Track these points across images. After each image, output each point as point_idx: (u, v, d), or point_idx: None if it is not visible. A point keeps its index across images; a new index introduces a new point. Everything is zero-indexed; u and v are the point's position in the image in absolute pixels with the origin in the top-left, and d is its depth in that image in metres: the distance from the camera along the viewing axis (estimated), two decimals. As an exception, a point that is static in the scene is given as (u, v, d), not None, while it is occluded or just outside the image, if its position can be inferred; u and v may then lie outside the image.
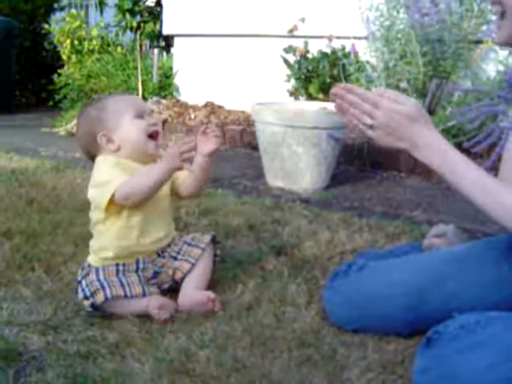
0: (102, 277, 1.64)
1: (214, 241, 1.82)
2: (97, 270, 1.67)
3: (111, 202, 1.63)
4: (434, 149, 1.32)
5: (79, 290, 1.65)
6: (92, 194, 1.70)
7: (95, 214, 1.71)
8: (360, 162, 3.60)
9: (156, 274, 1.74)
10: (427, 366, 1.17)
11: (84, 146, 1.77)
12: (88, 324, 1.57)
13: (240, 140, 4.19)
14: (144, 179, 1.65)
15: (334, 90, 1.39)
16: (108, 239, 1.70)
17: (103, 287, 1.61)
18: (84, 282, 1.65)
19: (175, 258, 1.76)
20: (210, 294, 1.66)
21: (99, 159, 1.72)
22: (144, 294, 1.64)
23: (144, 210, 1.69)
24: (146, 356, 1.40)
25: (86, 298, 1.62)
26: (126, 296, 1.61)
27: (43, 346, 1.45)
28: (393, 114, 1.32)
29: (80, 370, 1.35)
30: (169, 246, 1.78)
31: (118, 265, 1.68)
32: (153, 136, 1.73)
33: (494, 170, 2.39)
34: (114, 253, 1.68)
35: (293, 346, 1.47)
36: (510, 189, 1.30)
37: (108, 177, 1.65)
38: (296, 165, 3.05)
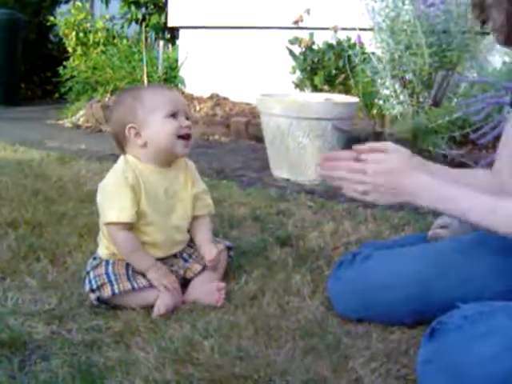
0: (110, 270, 1.63)
1: (228, 248, 1.84)
2: (107, 262, 1.66)
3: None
4: (428, 191, 1.32)
5: (86, 281, 1.64)
6: (98, 198, 1.68)
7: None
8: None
9: None
10: (431, 357, 1.17)
11: (114, 132, 1.73)
12: (93, 313, 1.57)
13: (245, 132, 4.18)
14: (130, 256, 1.65)
15: (320, 173, 1.44)
16: None
17: (110, 281, 1.61)
18: (92, 274, 1.64)
19: (186, 260, 1.77)
20: (220, 284, 1.68)
21: (120, 162, 1.69)
22: (151, 285, 1.64)
23: (162, 230, 1.71)
24: (151, 345, 1.41)
25: (92, 290, 1.61)
26: (133, 289, 1.61)
27: (48, 335, 1.45)
28: (380, 177, 1.34)
29: (84, 358, 1.35)
30: None
31: None
32: (184, 137, 1.68)
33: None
34: None
35: (297, 335, 1.47)
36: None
37: (114, 197, 1.63)
38: (301, 156, 3.04)
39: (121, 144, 1.72)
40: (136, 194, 1.64)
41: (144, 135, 1.66)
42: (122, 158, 1.71)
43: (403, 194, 1.34)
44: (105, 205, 1.65)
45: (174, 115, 1.66)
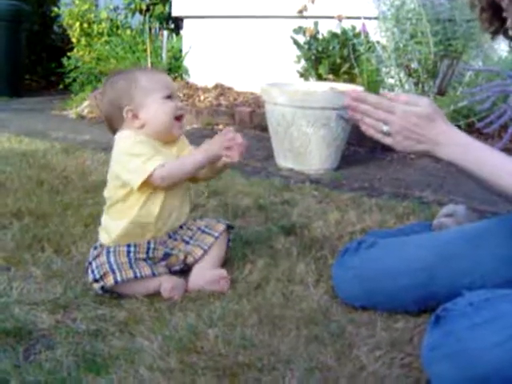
0: (112, 259, 1.64)
1: (228, 228, 1.82)
2: (108, 251, 1.66)
3: (145, 181, 1.60)
4: (457, 143, 1.30)
5: (89, 271, 1.65)
6: (118, 170, 1.66)
7: (117, 192, 1.68)
8: (370, 142, 3.57)
9: (166, 256, 1.73)
10: (436, 344, 1.16)
11: (107, 114, 1.74)
12: (97, 303, 1.58)
13: (249, 121, 4.17)
14: (187, 165, 1.66)
15: (346, 102, 1.37)
16: (127, 217, 1.66)
17: (113, 270, 1.61)
18: (94, 264, 1.65)
19: (187, 243, 1.76)
20: (223, 272, 1.68)
21: (125, 134, 1.68)
22: (153, 275, 1.65)
23: (167, 191, 1.69)
24: (155, 334, 1.41)
25: (95, 280, 1.62)
26: (136, 277, 1.62)
27: (53, 324, 1.46)
28: (408, 117, 1.30)
29: (89, 347, 1.36)
30: (181, 228, 1.77)
31: (129, 246, 1.67)
32: (178, 118, 1.71)
33: (505, 151, 2.38)
34: (130, 228, 1.66)
35: (301, 324, 1.47)
36: None
37: (141, 153, 1.62)
38: (306, 146, 3.04)
39: (113, 126, 1.74)
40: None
41: (142, 117, 1.67)
42: (121, 132, 1.71)
43: (428, 141, 1.31)
44: (131, 164, 1.62)
45: (169, 97, 1.70)
